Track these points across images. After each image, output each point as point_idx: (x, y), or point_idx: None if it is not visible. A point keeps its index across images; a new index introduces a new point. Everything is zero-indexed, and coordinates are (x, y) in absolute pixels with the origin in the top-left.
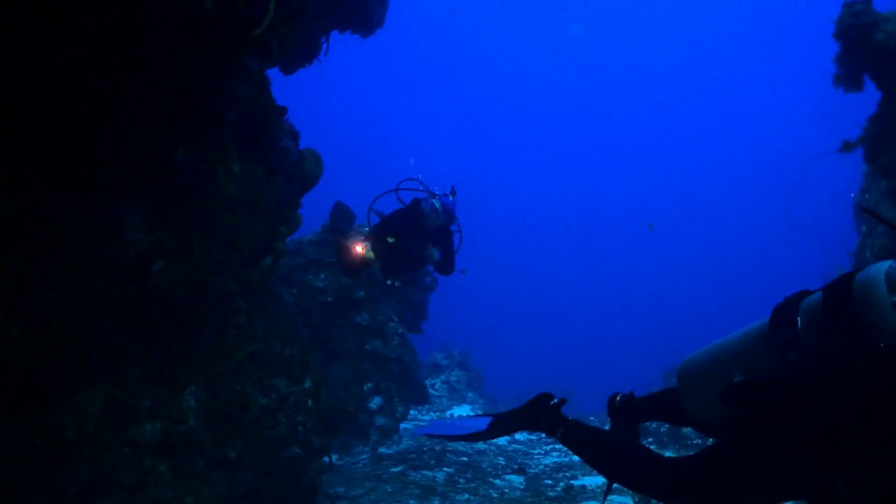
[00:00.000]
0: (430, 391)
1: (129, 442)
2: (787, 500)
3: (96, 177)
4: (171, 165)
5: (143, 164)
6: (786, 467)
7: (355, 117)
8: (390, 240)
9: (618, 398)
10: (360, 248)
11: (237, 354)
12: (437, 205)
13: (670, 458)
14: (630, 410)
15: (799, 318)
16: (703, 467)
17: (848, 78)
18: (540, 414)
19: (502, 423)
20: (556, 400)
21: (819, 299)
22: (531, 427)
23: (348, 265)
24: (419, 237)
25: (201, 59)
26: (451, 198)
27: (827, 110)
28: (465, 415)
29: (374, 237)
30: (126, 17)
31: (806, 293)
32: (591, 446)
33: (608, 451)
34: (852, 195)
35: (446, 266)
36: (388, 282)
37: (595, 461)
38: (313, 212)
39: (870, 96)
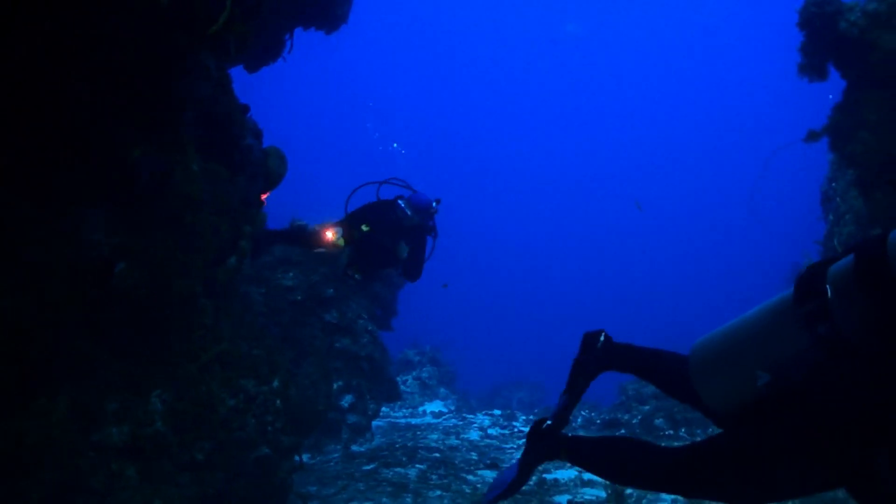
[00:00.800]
0: (402, 388)
1: (96, 446)
2: (816, 489)
3: (54, 179)
4: (130, 166)
5: (102, 165)
6: (820, 451)
7: (348, 114)
8: (365, 228)
9: (601, 338)
10: (330, 234)
11: (204, 356)
12: (404, 205)
13: (680, 449)
14: (608, 358)
15: (828, 287)
16: (725, 456)
17: (812, 67)
18: (538, 441)
19: (525, 465)
20: (548, 422)
21: (848, 265)
22: (539, 456)
23: (313, 245)
24: (394, 232)
25: (157, 57)
26: (433, 203)
27: (794, 100)
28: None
29: (349, 224)
30: (78, 13)
31: (831, 260)
32: (597, 459)
33: (616, 458)
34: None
35: (413, 270)
36: (348, 271)
37: (606, 472)
38: (280, 210)
39: (835, 85)
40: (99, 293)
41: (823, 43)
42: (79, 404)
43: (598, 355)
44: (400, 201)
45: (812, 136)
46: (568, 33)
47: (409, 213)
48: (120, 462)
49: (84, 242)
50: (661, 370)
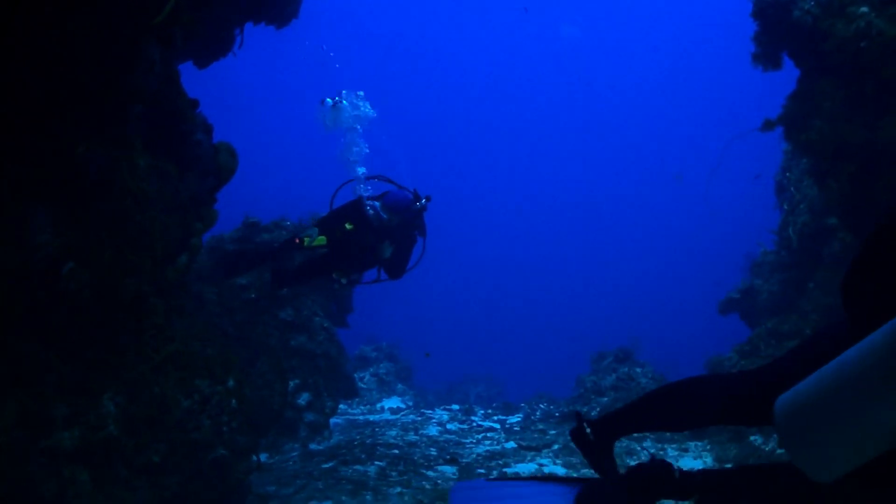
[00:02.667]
0: (359, 384)
1: (46, 452)
2: None
3: None
4: (75, 163)
5: (45, 163)
6: None
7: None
8: (348, 226)
9: (587, 430)
10: (297, 241)
11: (156, 356)
12: (379, 206)
13: None
14: (605, 434)
15: None
16: None
17: (767, 56)
18: (662, 485)
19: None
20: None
21: None
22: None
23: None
24: (378, 230)
25: (100, 49)
26: (419, 202)
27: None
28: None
29: (330, 222)
30: (18, 4)
31: None
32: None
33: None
34: (756, 175)
35: (395, 269)
36: (333, 275)
37: None
38: (232, 206)
39: (789, 74)
40: (46, 295)
41: (777, 32)
42: (27, 410)
43: (596, 445)
44: (375, 203)
45: (767, 126)
46: (565, 35)
47: (383, 215)
48: (72, 468)
49: (30, 242)
50: (654, 415)
